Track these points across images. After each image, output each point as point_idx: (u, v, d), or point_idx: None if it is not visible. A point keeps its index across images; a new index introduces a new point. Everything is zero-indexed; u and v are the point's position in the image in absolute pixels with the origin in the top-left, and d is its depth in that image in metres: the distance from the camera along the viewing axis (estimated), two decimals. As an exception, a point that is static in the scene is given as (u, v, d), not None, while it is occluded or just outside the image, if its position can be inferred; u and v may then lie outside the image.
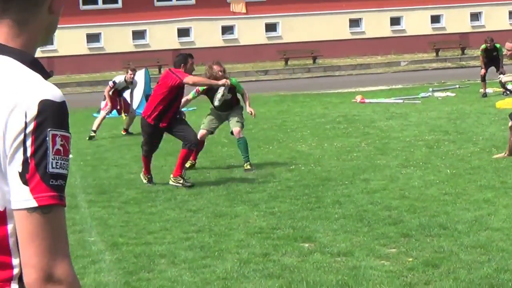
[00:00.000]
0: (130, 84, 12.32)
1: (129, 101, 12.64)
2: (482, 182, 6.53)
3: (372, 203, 5.88)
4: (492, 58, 14.55)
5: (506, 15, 29.47)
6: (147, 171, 7.33)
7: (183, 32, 27.16)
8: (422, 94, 15.51)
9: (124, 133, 12.06)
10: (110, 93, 12.28)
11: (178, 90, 7.24)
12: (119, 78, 12.57)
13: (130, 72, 12.50)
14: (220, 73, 7.87)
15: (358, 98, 14.75)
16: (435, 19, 29.16)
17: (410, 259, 4.21)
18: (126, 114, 12.40)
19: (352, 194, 6.27)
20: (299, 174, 7.38)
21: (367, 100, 14.76)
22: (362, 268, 4.07)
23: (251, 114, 8.29)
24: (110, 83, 12.41)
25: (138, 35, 26.73)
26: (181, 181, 7.06)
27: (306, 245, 4.69)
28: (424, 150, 8.76)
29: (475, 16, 29.50)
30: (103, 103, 12.82)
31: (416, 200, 5.89)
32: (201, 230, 5.26)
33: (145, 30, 26.80)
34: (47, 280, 0.87)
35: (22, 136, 0.87)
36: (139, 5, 26.13)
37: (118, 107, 12.42)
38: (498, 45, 14.15)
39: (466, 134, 9.85)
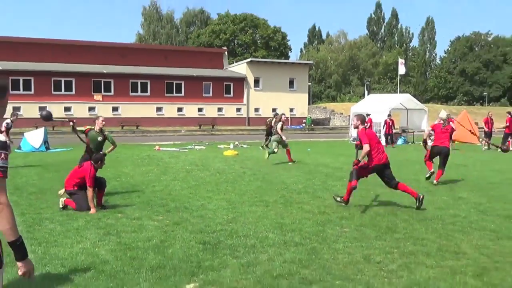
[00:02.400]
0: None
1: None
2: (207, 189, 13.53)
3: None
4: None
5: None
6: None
7: None
8: (189, 147, 26.99)
9: None
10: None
11: None
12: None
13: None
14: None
15: (157, 147, 26.20)
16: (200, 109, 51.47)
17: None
18: None
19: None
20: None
21: (162, 148, 26.09)
22: None
23: None
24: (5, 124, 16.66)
25: None
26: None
27: None
28: (184, 173, 15.75)
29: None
30: None
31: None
32: None
33: None
34: None
35: None
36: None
37: None
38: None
39: (206, 166, 17.46)
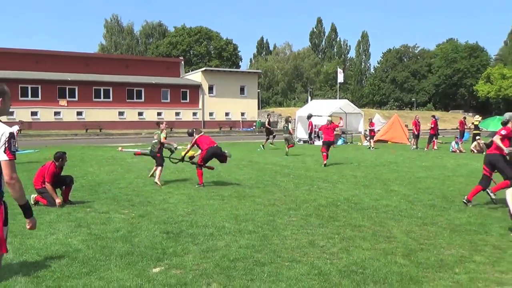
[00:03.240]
0: None
1: None
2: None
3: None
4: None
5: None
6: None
7: None
8: (150, 148, 30.25)
9: None
10: None
11: None
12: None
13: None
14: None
15: (120, 148, 28.45)
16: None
17: None
18: None
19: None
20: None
21: (124, 150, 24.35)
22: None
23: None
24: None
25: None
26: None
27: None
28: (146, 172, 16.19)
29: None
30: None
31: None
32: None
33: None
34: (10, 179, 3.88)
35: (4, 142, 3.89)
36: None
37: None
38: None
39: (166, 165, 15.27)
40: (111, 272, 5.72)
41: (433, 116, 29.20)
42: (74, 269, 5.82)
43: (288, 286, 5.40)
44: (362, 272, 5.86)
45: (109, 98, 51.43)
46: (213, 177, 14.81)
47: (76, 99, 49.57)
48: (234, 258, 6.32)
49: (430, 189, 12.66)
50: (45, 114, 47.80)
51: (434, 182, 14.06)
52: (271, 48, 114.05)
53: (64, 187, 10.32)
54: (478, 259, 6.48)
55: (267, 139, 28.26)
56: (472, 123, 30.37)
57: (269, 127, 28.93)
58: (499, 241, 7.42)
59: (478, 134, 27.56)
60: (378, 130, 34.84)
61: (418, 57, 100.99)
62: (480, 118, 31.46)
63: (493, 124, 26.58)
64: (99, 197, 11.01)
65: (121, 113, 51.52)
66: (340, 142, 33.99)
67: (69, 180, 10.38)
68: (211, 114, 57.05)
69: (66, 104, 48.94)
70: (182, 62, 63.23)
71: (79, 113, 49.59)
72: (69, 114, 48.88)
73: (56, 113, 48.45)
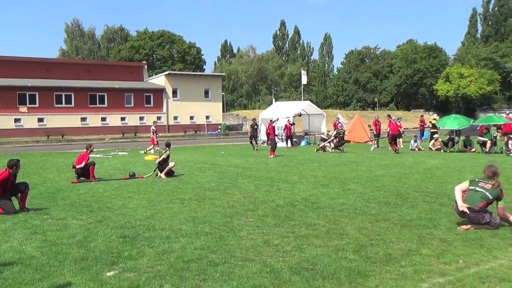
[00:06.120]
0: None
1: None
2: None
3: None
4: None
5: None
6: None
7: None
8: (113, 153, 26.95)
9: None
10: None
11: None
12: None
13: None
14: None
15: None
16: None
17: None
18: None
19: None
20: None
21: (99, 155, 25.10)
22: None
23: None
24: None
25: None
26: None
27: None
28: (107, 177, 15.86)
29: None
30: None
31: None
32: None
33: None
34: None
35: None
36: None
37: None
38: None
39: (127, 170, 16.80)
40: (64, 278, 5.74)
41: (388, 116, 29.85)
42: (27, 276, 5.81)
43: (239, 284, 5.53)
44: (312, 268, 6.03)
45: (71, 103, 50.62)
46: (174, 180, 14.85)
47: (37, 105, 48.60)
48: (189, 260, 6.41)
49: (386, 186, 12.99)
50: (5, 121, 46.71)
51: (390, 179, 14.41)
52: (235, 51, 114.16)
53: (19, 194, 10.22)
54: (425, 252, 6.74)
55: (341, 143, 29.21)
56: (430, 122, 31.12)
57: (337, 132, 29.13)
58: (446, 235, 7.71)
59: (436, 133, 28.26)
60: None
61: (380, 58, 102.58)
62: (438, 116, 32.29)
63: (449, 122, 27.10)
64: (57, 204, 10.92)
65: (83, 119, 50.79)
66: (303, 143, 34.36)
67: (24, 187, 10.27)
68: (175, 118, 56.79)
69: (26, 111, 47.92)
70: (145, 66, 62.74)
71: (40, 120, 48.64)
72: (30, 121, 47.90)
73: (17, 120, 47.43)
